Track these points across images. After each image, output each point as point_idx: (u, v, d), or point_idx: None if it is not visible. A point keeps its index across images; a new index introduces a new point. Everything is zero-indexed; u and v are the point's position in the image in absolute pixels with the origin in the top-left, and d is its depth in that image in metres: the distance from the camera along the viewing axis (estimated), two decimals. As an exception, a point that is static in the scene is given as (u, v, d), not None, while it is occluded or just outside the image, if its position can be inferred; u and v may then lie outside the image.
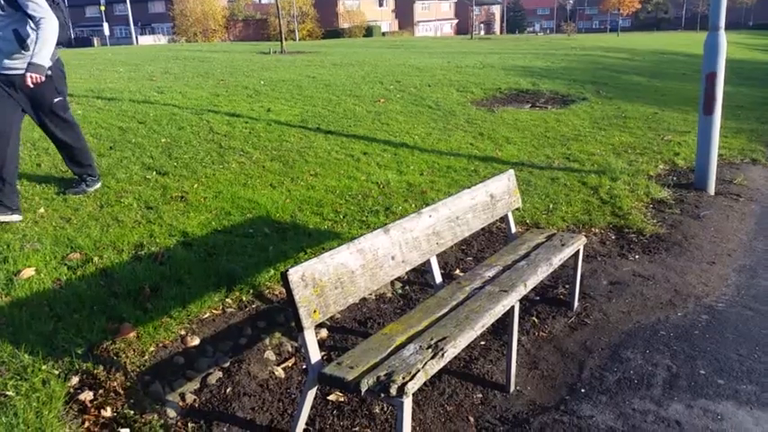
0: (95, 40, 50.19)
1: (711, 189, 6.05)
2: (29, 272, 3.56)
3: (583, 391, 2.88)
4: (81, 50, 26.31)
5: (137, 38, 48.01)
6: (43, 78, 4.20)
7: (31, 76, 4.14)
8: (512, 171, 3.96)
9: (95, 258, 3.80)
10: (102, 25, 51.99)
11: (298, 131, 7.51)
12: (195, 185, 5.29)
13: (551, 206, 5.33)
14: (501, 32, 76.21)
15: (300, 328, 2.33)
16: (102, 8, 50.88)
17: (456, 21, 79.19)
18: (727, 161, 7.30)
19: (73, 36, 56.41)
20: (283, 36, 23.27)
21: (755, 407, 2.73)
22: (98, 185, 5.07)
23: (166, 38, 55.78)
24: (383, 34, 57.09)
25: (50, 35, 4.21)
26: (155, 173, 5.58)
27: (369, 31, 56.42)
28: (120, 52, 22.12)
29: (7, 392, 2.52)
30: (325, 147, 6.85)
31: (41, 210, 4.55)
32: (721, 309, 3.69)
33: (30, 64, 4.14)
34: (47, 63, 4.22)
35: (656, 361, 3.11)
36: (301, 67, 14.60)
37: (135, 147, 6.39)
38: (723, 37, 5.71)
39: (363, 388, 2.21)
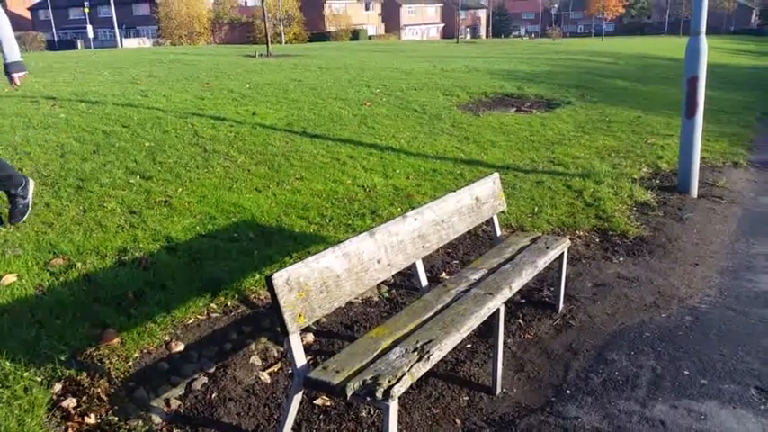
0: (79, 43, 49.77)
1: (694, 192, 6.11)
2: (10, 278, 3.51)
3: (568, 392, 2.90)
4: (64, 53, 26.07)
5: (121, 40, 47.69)
6: (27, 74, 4.16)
7: (18, 77, 4.10)
8: (497, 174, 3.97)
9: (78, 264, 3.76)
10: (85, 28, 51.55)
11: (283, 135, 7.49)
12: (179, 190, 5.26)
13: (536, 209, 5.36)
14: (487, 36, 76.62)
15: (286, 333, 2.32)
16: (86, 10, 50.46)
17: (442, 25, 79.50)
18: (710, 164, 7.39)
19: (56, 38, 55.92)
20: (269, 39, 23.22)
21: (738, 406, 2.76)
22: (32, 186, 4.42)
23: (151, 41, 55.44)
24: (369, 38, 57.17)
25: (8, 26, 4.10)
26: (138, 177, 5.54)
27: (355, 35, 56.45)
28: (103, 55, 21.95)
29: (-12, 400, 2.48)
30: (311, 150, 6.84)
31: (23, 215, 4.49)
32: (704, 310, 3.73)
33: (9, 65, 4.09)
34: (20, 57, 4.17)
35: (640, 362, 3.14)
36: (287, 70, 14.57)
37: (119, 151, 6.34)
38: (704, 41, 5.78)
39: (349, 392, 2.21)
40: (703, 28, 5.77)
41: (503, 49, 28.10)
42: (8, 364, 2.73)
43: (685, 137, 6.06)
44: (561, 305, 3.76)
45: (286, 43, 45.52)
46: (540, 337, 3.42)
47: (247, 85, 11.27)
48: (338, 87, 11.49)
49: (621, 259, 4.52)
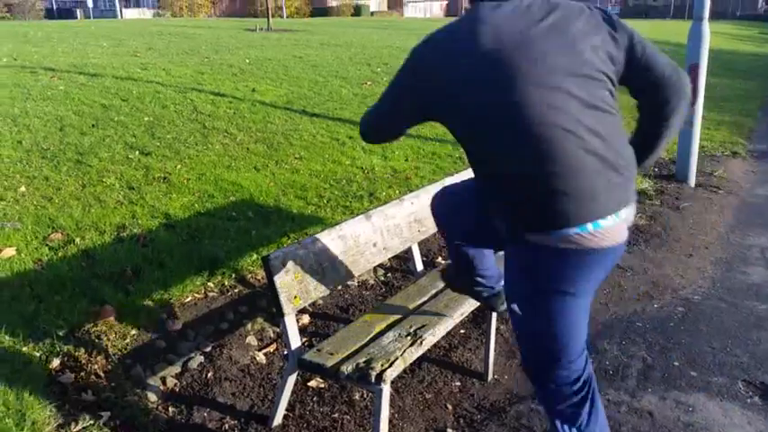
0: (78, 12, 49.13)
1: (692, 181, 6.13)
2: (9, 251, 3.53)
3: (559, 380, 2.94)
4: (64, 23, 25.79)
5: (121, 11, 47.09)
6: None
7: None
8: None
9: (77, 239, 3.78)
10: (85, -4, 50.80)
11: (283, 113, 7.46)
12: (178, 166, 5.25)
13: (534, 195, 5.37)
14: (490, 15, 75.69)
15: (281, 314, 2.35)
16: (86, -21, 49.69)
17: (445, 2, 78.62)
18: (709, 153, 7.39)
19: (55, 7, 55.17)
20: (270, 13, 22.97)
21: (725, 399, 2.80)
22: None
23: (151, 11, 54.78)
24: (372, 14, 56.54)
25: None
26: (137, 152, 5.53)
27: (357, 11, 55.81)
28: (103, 26, 21.71)
29: (-13, 374, 2.52)
30: (310, 129, 6.82)
31: (22, 188, 4.50)
32: (697, 301, 3.77)
33: None
34: None
35: (631, 352, 3.18)
36: (288, 45, 14.44)
37: (118, 125, 6.32)
38: (707, 27, 5.74)
39: (343, 375, 2.24)
40: (706, 14, 5.73)
41: (506, 30, 27.80)
42: (7, 338, 2.76)
43: (684, 125, 6.06)
44: (555, 293, 3.79)
45: (287, 17, 45.01)
46: (533, 324, 3.45)
47: (247, 61, 11.18)
48: (339, 65, 11.40)
49: (617, 248, 4.54)
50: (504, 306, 2.43)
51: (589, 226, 1.63)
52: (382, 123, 2.00)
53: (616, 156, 1.66)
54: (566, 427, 1.94)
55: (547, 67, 1.61)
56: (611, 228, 1.67)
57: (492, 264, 2.39)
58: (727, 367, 3.05)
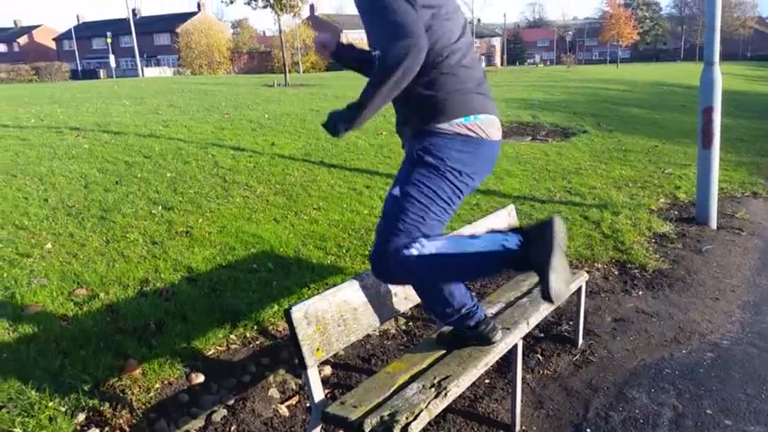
0: (101, 72, 50.98)
1: (713, 223, 6.07)
2: (36, 308, 3.58)
3: (588, 431, 2.87)
4: (88, 83, 26.70)
5: (142, 70, 48.77)
6: None
7: None
8: (512, 206, 3.99)
9: (101, 294, 3.82)
10: (108, 57, 52.80)
11: (301, 165, 7.59)
12: (200, 220, 5.34)
13: (554, 240, 5.35)
14: (502, 64, 77.10)
15: (304, 367, 2.34)
16: (109, 41, 51.78)
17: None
18: (729, 195, 7.34)
19: (80, 68, 57.25)
20: (287, 69, 23.61)
21: (762, 447, 2.71)
22: None
23: (172, 70, 56.58)
24: (385, 66, 57.79)
25: None
26: (160, 207, 5.63)
27: (371, 64, 57.09)
28: (125, 85, 22.44)
29: (14, 430, 2.53)
30: (328, 180, 6.92)
31: (48, 245, 4.59)
32: (726, 346, 3.68)
33: None
34: None
35: (661, 400, 3.11)
36: (305, 99, 14.79)
37: (141, 181, 6.46)
38: (718, 72, 5.80)
39: (367, 428, 2.21)
40: (716, 59, 5.80)
41: (518, 77, 28.27)
42: (34, 393, 2.77)
43: (702, 167, 6.05)
44: (581, 340, 3.74)
45: (304, 72, 46.16)
46: (559, 374, 3.40)
47: (266, 116, 11.45)
48: (355, 117, 11.60)
49: (641, 293, 4.49)
50: (500, 335, 2.71)
51: (471, 117, 2.32)
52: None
53: (482, 80, 2.44)
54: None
55: (458, 15, 2.40)
56: (485, 122, 2.36)
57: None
58: (763, 415, 2.96)
